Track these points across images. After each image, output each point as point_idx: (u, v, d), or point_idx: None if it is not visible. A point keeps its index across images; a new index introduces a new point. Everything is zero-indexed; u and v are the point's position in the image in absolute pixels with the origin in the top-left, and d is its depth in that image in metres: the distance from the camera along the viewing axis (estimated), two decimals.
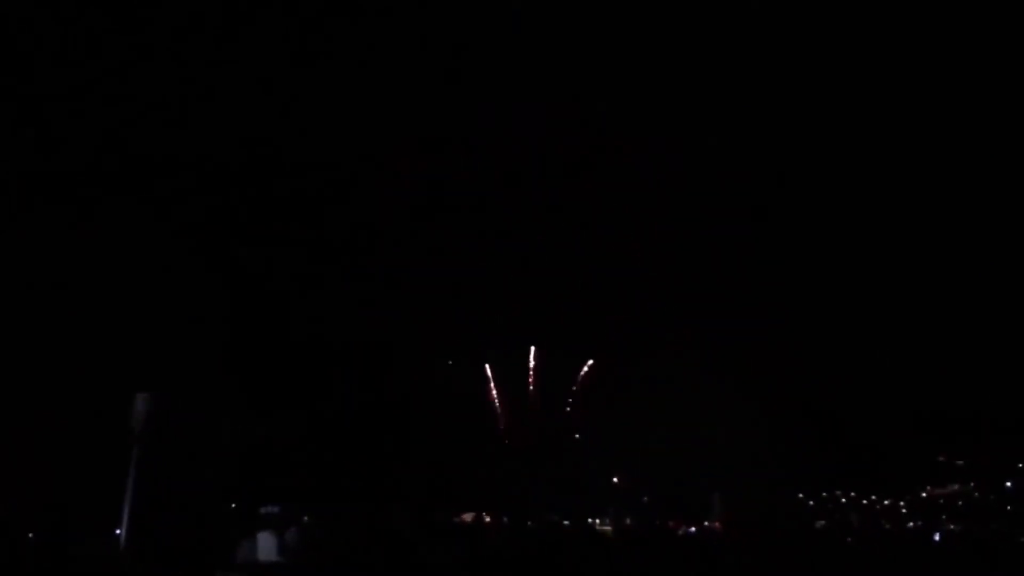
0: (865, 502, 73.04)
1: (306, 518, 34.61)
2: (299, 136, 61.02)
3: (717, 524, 61.53)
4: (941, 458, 69.46)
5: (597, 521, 60.72)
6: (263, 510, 33.99)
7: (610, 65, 79.41)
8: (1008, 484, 66.94)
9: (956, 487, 70.91)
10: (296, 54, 58.59)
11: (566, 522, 56.50)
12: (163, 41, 41.60)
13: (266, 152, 55.75)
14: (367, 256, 70.00)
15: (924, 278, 68.98)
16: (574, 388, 69.99)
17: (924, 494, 71.70)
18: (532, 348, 75.26)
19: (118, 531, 16.06)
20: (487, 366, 71.72)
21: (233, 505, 31.78)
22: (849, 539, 29.34)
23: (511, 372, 76.04)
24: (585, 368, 72.88)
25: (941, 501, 70.44)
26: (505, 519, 47.25)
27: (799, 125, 76.48)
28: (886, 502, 72.49)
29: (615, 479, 63.76)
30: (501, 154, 74.54)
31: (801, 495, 71.54)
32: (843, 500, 74.54)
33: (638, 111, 77.88)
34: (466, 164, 72.79)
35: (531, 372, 74.01)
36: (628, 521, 62.32)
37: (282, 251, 53.25)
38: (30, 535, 23.60)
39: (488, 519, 50.46)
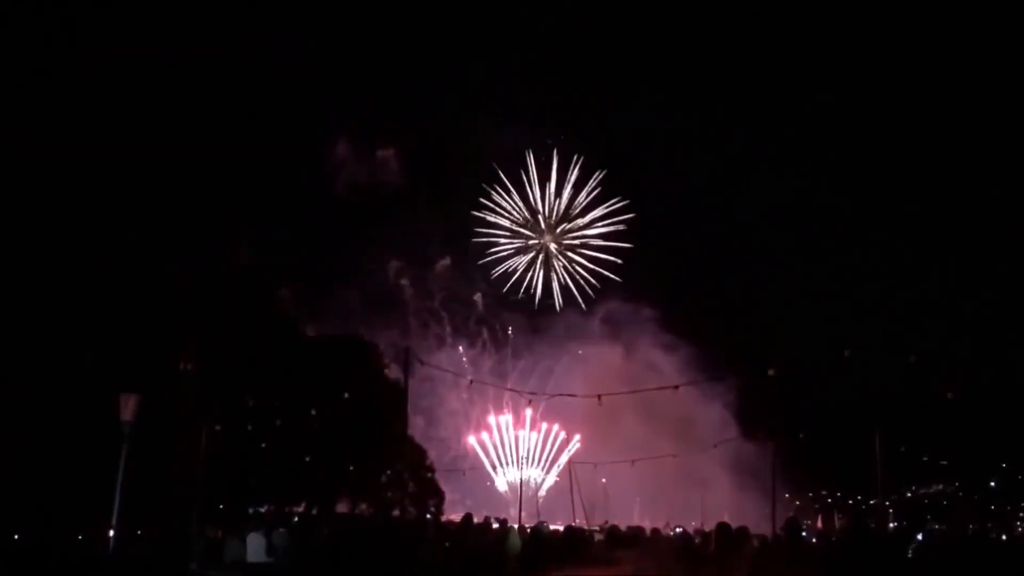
0: (851, 502, 73.59)
1: (296, 518, 34.56)
2: (268, 129, 60.85)
3: (703, 525, 61.68)
4: (925, 458, 70.11)
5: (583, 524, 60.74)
6: (251, 510, 33.90)
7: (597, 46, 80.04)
8: (992, 484, 67.65)
9: (940, 487, 71.58)
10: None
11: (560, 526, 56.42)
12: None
13: (240, 143, 55.69)
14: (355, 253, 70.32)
15: (910, 274, 69.71)
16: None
17: (909, 494, 72.33)
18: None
19: (111, 532, 16.00)
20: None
21: (221, 506, 31.71)
22: (834, 539, 29.55)
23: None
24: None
25: (926, 501, 71.09)
26: (494, 520, 47.22)
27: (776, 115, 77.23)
28: (872, 502, 73.03)
29: (603, 479, 63.84)
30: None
31: (787, 495, 71.97)
32: (829, 500, 75.14)
33: (623, 102, 78.58)
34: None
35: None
36: (615, 523, 62.37)
37: (267, 247, 53.35)
38: (15, 536, 23.44)
39: (477, 521, 50.43)
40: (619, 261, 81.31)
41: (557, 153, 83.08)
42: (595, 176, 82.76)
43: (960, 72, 69.17)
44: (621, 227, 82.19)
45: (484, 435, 74.93)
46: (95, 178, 33.73)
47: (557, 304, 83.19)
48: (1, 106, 32.62)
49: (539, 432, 74.29)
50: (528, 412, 72.27)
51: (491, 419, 74.87)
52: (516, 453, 72.34)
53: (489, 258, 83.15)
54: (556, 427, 72.99)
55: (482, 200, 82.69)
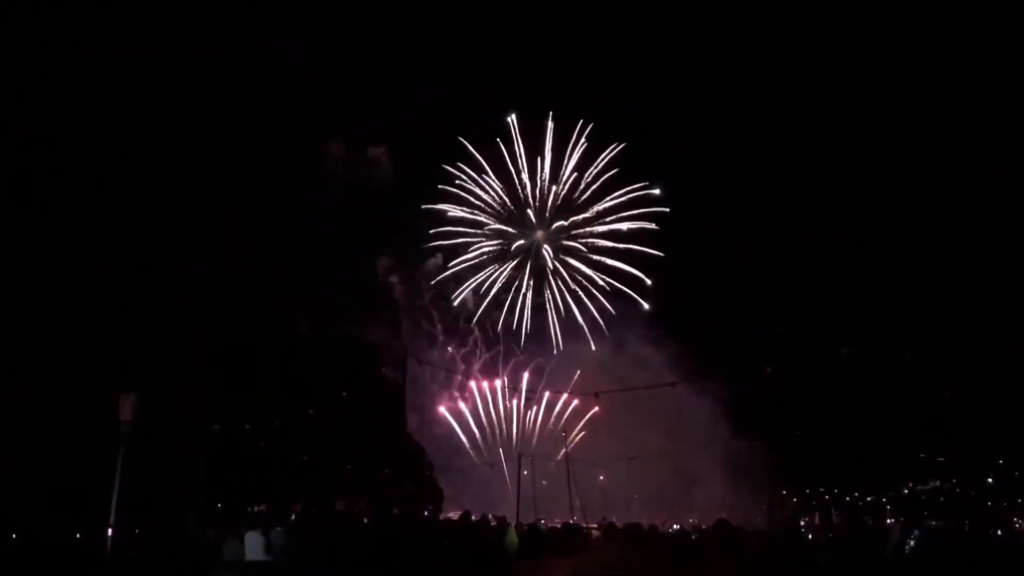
0: (848, 499, 73.79)
1: (293, 516, 34.68)
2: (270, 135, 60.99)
3: (700, 522, 61.91)
4: (922, 455, 70.25)
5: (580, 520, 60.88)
6: (249, 509, 34.05)
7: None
8: (989, 480, 67.87)
9: (937, 483, 71.75)
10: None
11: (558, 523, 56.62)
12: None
13: (239, 143, 55.79)
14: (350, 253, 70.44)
15: (909, 273, 69.89)
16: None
17: (906, 491, 72.52)
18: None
19: (110, 532, 16.07)
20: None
21: (220, 505, 31.84)
22: (831, 535, 29.74)
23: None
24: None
25: (923, 498, 71.26)
26: (491, 516, 47.42)
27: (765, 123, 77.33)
28: (868, 499, 73.22)
29: (600, 477, 63.95)
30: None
31: (784, 492, 72.21)
32: (826, 497, 75.32)
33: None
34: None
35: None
36: (614, 520, 62.52)
37: (264, 247, 53.55)
38: (14, 535, 23.50)
39: (475, 518, 50.52)
40: (648, 281, 67.12)
41: (553, 120, 67.42)
42: (609, 150, 66.39)
43: (967, 76, 69.30)
44: (649, 224, 66.72)
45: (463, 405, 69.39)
46: (95, 179, 33.84)
47: (555, 344, 69.51)
48: (1, 106, 32.67)
49: (539, 405, 68.79)
50: (526, 376, 69.75)
51: (472, 385, 69.26)
52: (511, 412, 68.84)
53: (454, 268, 70.44)
54: (564, 396, 65.87)
55: (443, 187, 68.80)
